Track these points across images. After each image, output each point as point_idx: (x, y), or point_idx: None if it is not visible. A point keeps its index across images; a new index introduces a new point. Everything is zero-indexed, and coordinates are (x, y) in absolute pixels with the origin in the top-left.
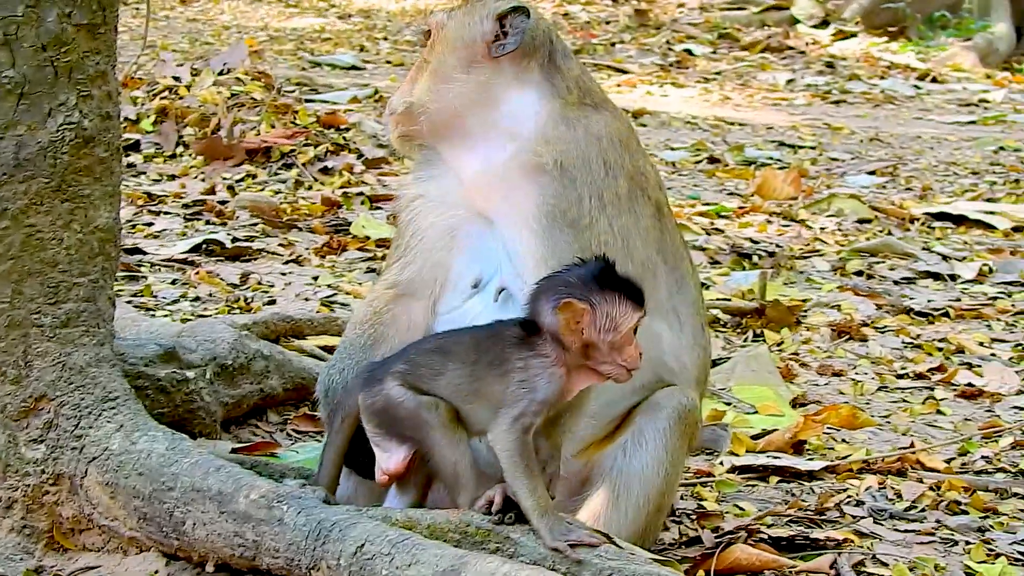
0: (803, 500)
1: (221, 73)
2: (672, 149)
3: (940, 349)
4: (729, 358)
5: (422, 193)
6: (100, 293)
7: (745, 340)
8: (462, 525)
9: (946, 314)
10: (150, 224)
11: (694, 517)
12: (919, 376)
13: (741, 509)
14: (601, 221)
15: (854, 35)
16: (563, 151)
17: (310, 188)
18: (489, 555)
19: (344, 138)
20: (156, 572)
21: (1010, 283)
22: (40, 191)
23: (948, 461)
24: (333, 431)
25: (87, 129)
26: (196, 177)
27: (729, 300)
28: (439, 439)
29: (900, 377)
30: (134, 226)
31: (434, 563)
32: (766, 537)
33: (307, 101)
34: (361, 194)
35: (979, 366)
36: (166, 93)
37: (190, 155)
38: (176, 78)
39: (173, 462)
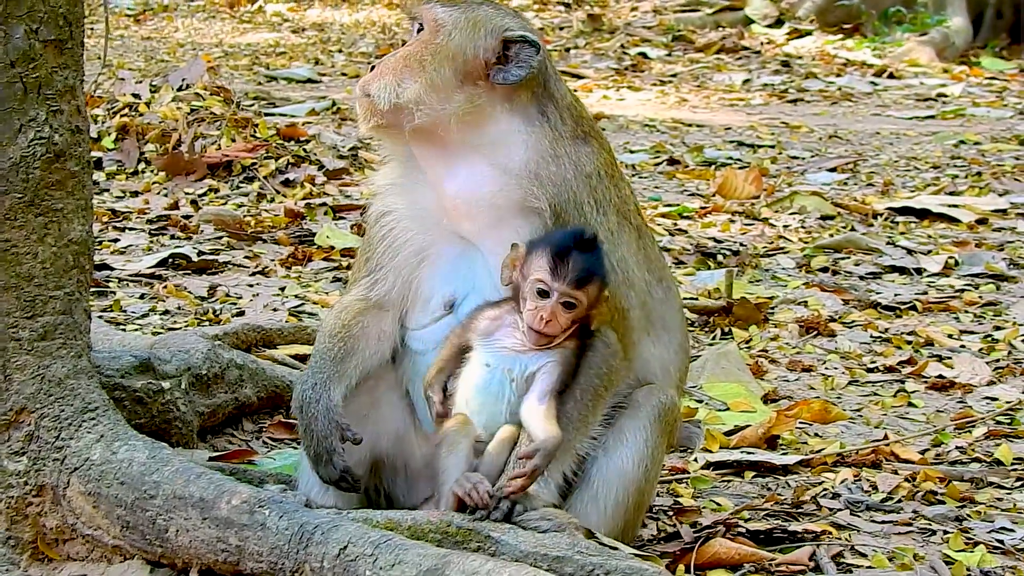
0: (779, 494)
1: (180, 89)
2: (631, 152)
3: (909, 342)
4: (698, 356)
5: (394, 207)
6: (76, 306)
7: (713, 338)
8: (443, 525)
9: (913, 307)
10: (116, 240)
11: (671, 513)
12: (889, 369)
13: (718, 504)
14: None
15: (809, 33)
16: (555, 194)
17: (272, 200)
18: (472, 554)
19: (304, 150)
20: None
21: (976, 275)
22: (13, 206)
23: (922, 452)
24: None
25: (58, 144)
26: (159, 193)
27: (696, 299)
28: None
29: (870, 371)
30: (100, 242)
31: (417, 563)
32: (744, 531)
33: (266, 115)
34: (324, 205)
35: (949, 358)
36: (126, 110)
37: (152, 171)
38: (136, 95)
39: (154, 470)
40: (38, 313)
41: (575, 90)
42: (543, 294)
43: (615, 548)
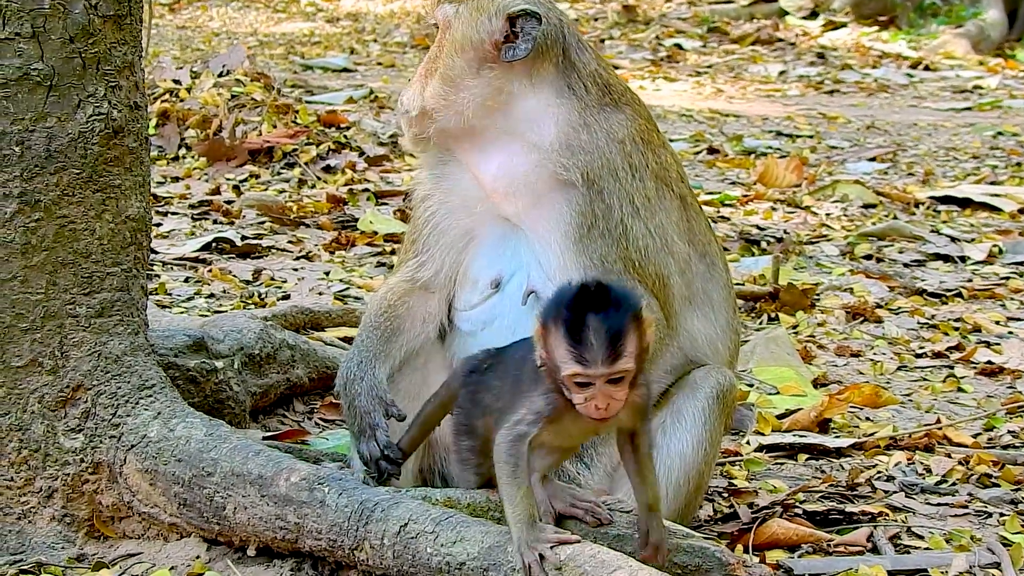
0: (834, 476)
1: (220, 75)
2: (671, 141)
3: (956, 328)
4: (747, 341)
5: (438, 191)
6: (133, 282)
7: (760, 324)
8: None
9: (959, 294)
10: (158, 225)
11: (727, 494)
12: (937, 355)
13: (773, 486)
14: (636, 226)
15: (844, 25)
16: (588, 162)
17: (313, 187)
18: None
19: (345, 136)
20: (198, 557)
21: (1020, 263)
22: (71, 182)
23: (975, 436)
24: (430, 401)
25: (116, 119)
26: (200, 178)
27: (742, 285)
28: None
29: (918, 356)
30: None
31: (479, 540)
32: (801, 512)
33: (305, 102)
34: (366, 190)
35: (997, 344)
36: (167, 96)
37: (193, 157)
38: (176, 81)
39: (212, 448)
40: (95, 290)
41: None
42: (584, 386)
43: (673, 532)
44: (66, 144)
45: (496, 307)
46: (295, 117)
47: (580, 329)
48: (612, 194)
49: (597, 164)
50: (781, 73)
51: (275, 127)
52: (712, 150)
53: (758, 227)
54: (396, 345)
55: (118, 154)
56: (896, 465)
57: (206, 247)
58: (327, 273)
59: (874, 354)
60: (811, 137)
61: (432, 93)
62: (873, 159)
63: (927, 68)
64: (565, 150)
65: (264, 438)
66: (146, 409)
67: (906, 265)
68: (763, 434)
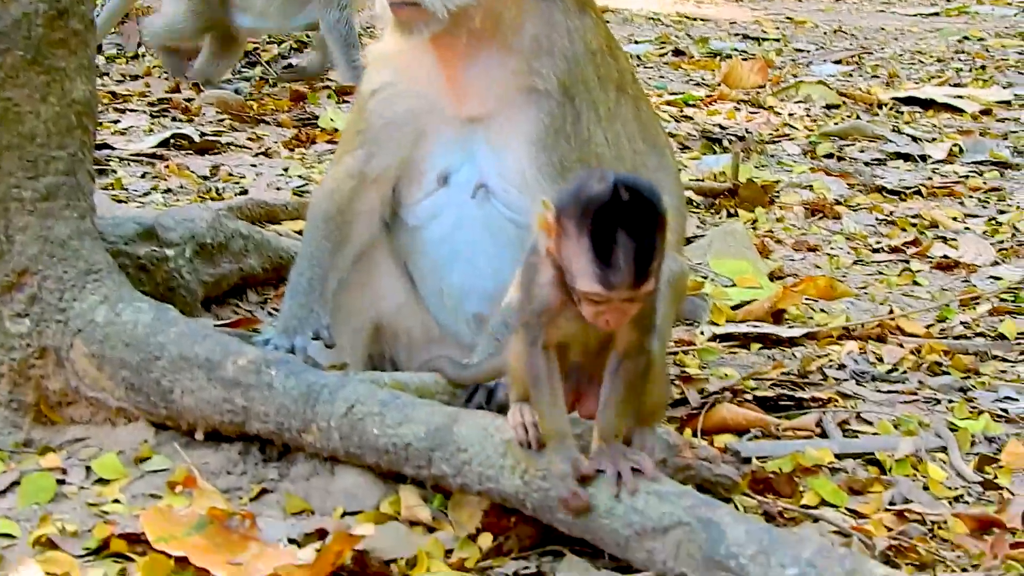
0: (785, 364)
1: None
2: (636, 43)
3: (914, 224)
4: (704, 235)
5: (394, 85)
6: (79, 167)
7: (719, 219)
8: (451, 386)
9: (918, 192)
10: (116, 121)
11: (677, 382)
12: (894, 250)
13: (724, 373)
14: (597, 133)
15: None
16: (564, 71)
17: (275, 85)
18: (479, 411)
19: (307, 35)
20: (145, 441)
21: (980, 162)
22: (15, 64)
23: (927, 327)
24: None
25: (60, 1)
26: (160, 76)
27: (702, 181)
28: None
29: (875, 251)
30: (100, 123)
31: (426, 421)
32: (751, 398)
33: None
34: (327, 88)
35: (954, 239)
36: None
37: (153, 55)
38: None
39: (159, 332)
40: (41, 173)
41: None
42: (597, 302)
43: None
44: (9, 25)
45: (443, 201)
46: None
47: (607, 246)
48: (582, 103)
49: (573, 74)
50: None
51: None
52: (678, 52)
53: (720, 126)
54: (344, 255)
55: (63, 36)
56: (848, 354)
57: (164, 143)
58: (286, 169)
59: (831, 249)
60: (777, 40)
61: None
62: (838, 62)
63: None
64: (544, 56)
65: (215, 327)
66: (93, 294)
67: (866, 164)
68: (717, 324)
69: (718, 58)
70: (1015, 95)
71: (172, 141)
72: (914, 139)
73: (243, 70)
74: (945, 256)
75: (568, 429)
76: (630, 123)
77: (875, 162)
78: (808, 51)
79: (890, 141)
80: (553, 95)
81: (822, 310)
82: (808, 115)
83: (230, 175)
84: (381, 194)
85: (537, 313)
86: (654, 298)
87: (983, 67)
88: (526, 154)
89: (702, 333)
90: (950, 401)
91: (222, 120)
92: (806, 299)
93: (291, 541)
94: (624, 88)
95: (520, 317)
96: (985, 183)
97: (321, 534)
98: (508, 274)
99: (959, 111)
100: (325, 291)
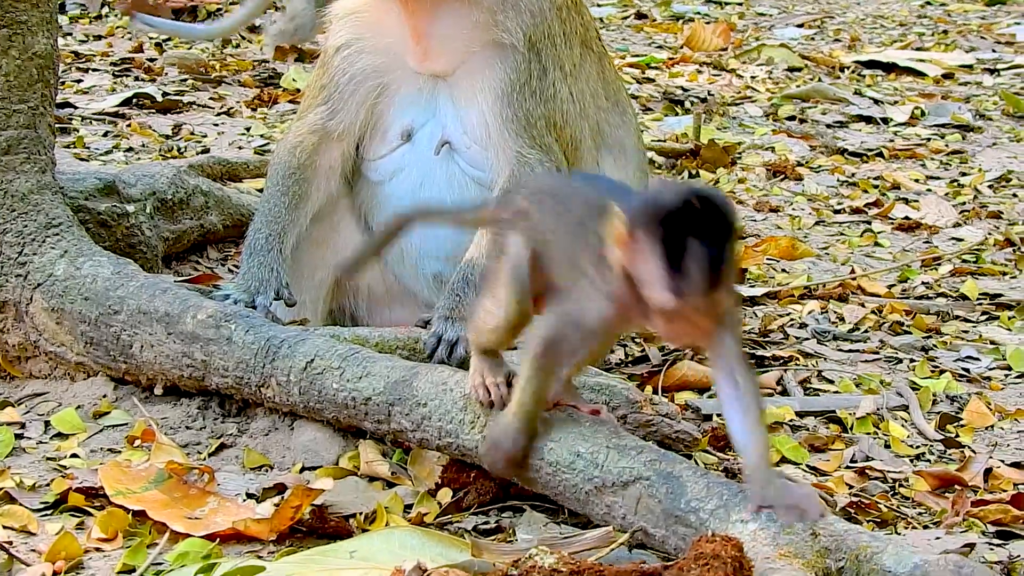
0: (746, 323)
1: None
2: (599, 6)
3: (876, 186)
4: None
5: (358, 41)
6: (40, 120)
7: (681, 180)
8: (410, 342)
9: (880, 154)
10: (79, 81)
11: (639, 339)
12: (856, 211)
13: None
14: (563, 89)
15: None
16: (531, 25)
17: (238, 47)
18: (440, 365)
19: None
20: (104, 396)
21: (942, 125)
22: None
23: (889, 287)
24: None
25: None
26: (123, 37)
27: (664, 142)
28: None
29: (837, 212)
30: (63, 83)
31: (385, 375)
32: None
33: None
34: (292, 47)
35: (916, 200)
36: None
37: (116, 15)
38: None
39: (119, 286)
40: (1, 127)
41: None
42: (670, 317)
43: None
44: None
45: (406, 157)
46: None
47: (680, 254)
48: (548, 58)
49: (540, 29)
50: None
51: None
52: (640, 15)
53: (683, 89)
54: (304, 211)
55: None
56: (809, 313)
57: (126, 102)
58: (248, 129)
59: (793, 209)
60: (740, 4)
61: None
62: (800, 26)
63: None
64: (510, 10)
65: (175, 283)
66: (52, 247)
67: (828, 126)
68: None
69: (680, 21)
70: (977, 59)
71: (134, 100)
72: (876, 102)
73: None
74: (907, 217)
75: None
76: (594, 79)
77: (837, 124)
78: (771, 15)
79: (852, 104)
80: (519, 49)
81: (784, 270)
82: (770, 78)
83: (192, 134)
84: (343, 150)
85: (590, 336)
86: (733, 311)
87: (945, 31)
88: (490, 109)
89: None
90: (911, 360)
91: (184, 80)
92: (768, 259)
93: (250, 496)
94: (588, 44)
95: (560, 319)
96: (947, 146)
97: (280, 489)
98: (469, 233)
99: (921, 75)
100: (284, 248)
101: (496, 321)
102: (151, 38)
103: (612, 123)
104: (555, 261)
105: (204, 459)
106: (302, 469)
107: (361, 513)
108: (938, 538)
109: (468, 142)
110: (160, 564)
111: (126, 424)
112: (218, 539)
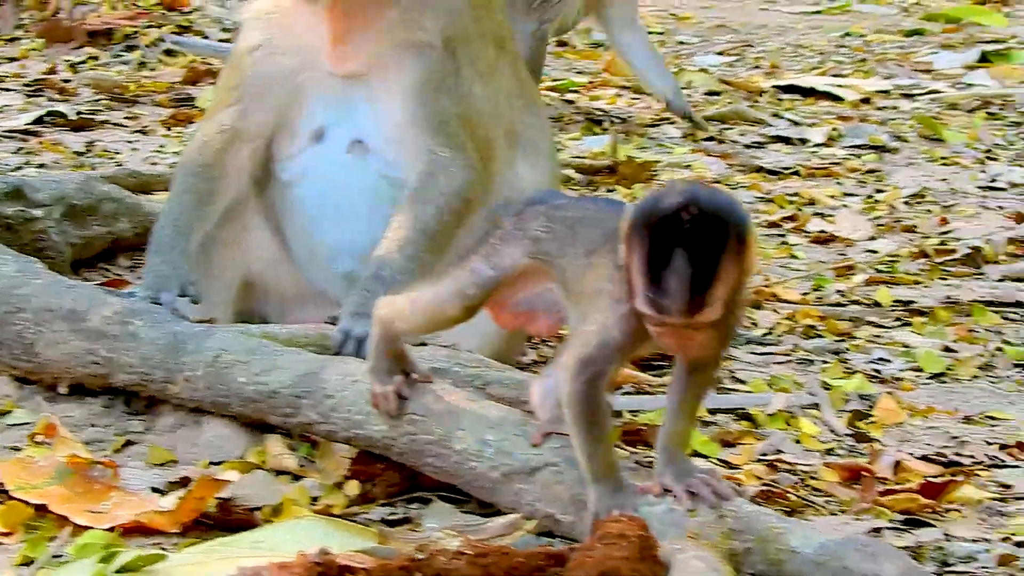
0: None
1: None
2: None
3: (792, 202)
4: None
5: (270, 41)
6: None
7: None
8: (319, 338)
9: (797, 172)
10: None
11: (553, 342)
12: (772, 224)
13: None
14: (477, 88)
15: None
16: (448, 24)
17: (153, 69)
18: (349, 358)
19: (188, 20)
20: (7, 396)
21: (859, 146)
22: None
23: (803, 295)
24: None
25: None
26: (37, 59)
27: (582, 159)
28: None
29: None
30: None
31: (293, 368)
32: None
33: None
34: (209, 70)
35: (831, 215)
36: None
37: (30, 37)
38: None
39: (23, 284)
40: None
41: None
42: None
43: (489, 365)
44: None
45: (317, 157)
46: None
47: (661, 265)
48: (463, 56)
49: (457, 28)
50: None
51: (115, 9)
52: (561, 43)
53: (602, 110)
54: (211, 210)
55: None
56: None
57: (38, 120)
58: (162, 146)
59: None
60: (661, 33)
61: None
62: (721, 53)
63: None
64: (427, 9)
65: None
66: None
67: (746, 146)
68: None
69: (600, 48)
70: (895, 85)
71: (47, 118)
72: (794, 123)
73: (122, 53)
74: (822, 231)
75: (619, 465)
76: (509, 80)
77: (755, 145)
78: (691, 43)
79: (770, 125)
80: (435, 47)
81: None
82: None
83: (105, 151)
84: (252, 150)
85: (620, 351)
86: (730, 321)
87: (863, 60)
88: (404, 107)
89: None
90: (824, 362)
91: (99, 100)
92: None
93: (155, 490)
94: (503, 45)
95: (586, 355)
96: (864, 165)
97: (185, 482)
98: (381, 233)
99: (839, 99)
100: (189, 246)
101: (429, 308)
102: (65, 60)
103: (526, 123)
104: (570, 282)
105: (109, 456)
106: (209, 464)
107: (267, 506)
108: (846, 524)
109: (381, 141)
110: (61, 556)
111: (29, 423)
112: (121, 531)
